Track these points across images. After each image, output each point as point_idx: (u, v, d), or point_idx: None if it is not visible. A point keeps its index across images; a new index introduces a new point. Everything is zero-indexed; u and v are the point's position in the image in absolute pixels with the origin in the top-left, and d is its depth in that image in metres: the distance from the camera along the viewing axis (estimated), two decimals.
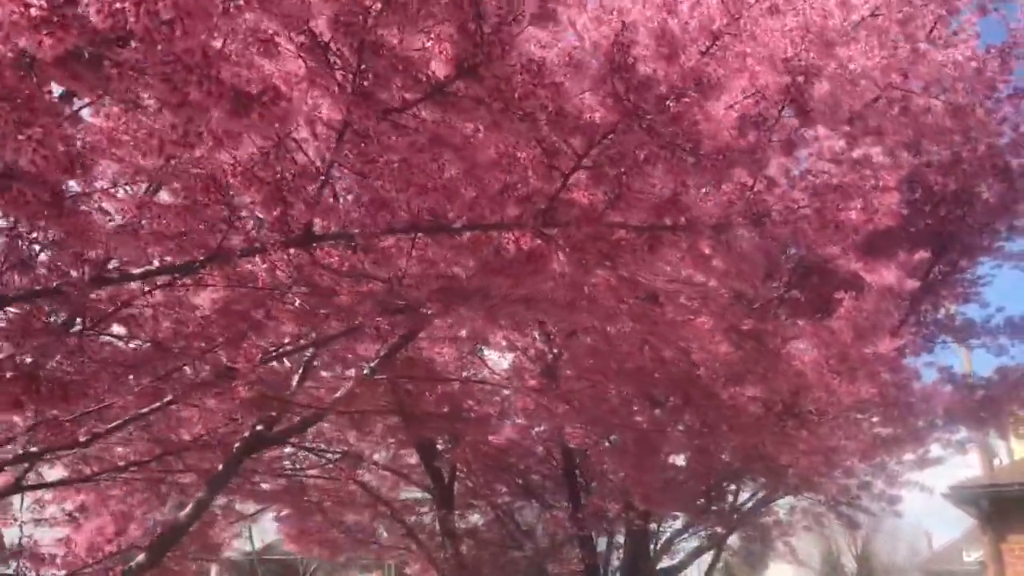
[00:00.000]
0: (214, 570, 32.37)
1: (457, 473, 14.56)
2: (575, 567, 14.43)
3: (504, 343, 11.52)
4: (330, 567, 36.71)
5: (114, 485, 10.32)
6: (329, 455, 13.41)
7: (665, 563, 14.66)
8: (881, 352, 9.79)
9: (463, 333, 10.24)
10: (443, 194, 4.62)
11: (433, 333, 10.45)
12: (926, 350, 14.17)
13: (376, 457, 14.72)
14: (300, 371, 8.04)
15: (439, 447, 13.83)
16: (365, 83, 4.23)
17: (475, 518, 16.12)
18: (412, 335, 7.97)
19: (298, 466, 13.15)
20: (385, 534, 15.86)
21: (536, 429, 12.32)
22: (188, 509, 7.41)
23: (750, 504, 14.34)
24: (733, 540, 17.72)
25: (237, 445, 7.64)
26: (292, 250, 5.05)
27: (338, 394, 7.80)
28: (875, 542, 57.97)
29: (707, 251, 5.15)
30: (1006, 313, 13.99)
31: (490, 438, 12.09)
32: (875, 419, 9.96)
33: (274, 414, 7.78)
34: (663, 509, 11.26)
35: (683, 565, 14.66)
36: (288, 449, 12.81)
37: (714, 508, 13.61)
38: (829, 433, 9.76)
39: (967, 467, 25.56)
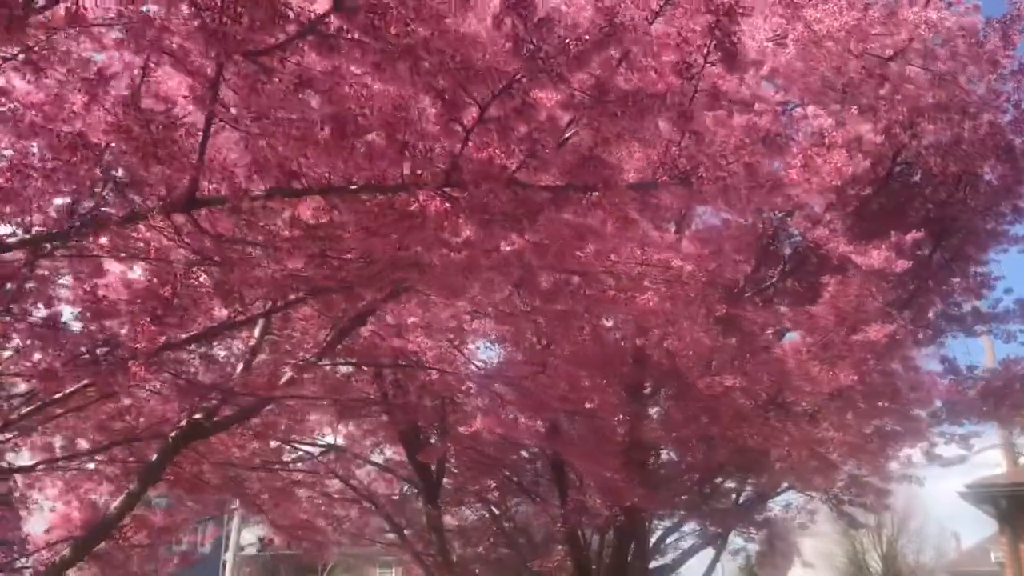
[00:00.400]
0: (228, 565, 32.19)
1: (447, 468, 14.10)
2: (567, 564, 13.92)
3: (493, 334, 11.06)
4: (348, 563, 36.38)
5: (85, 476, 9.97)
6: (308, 448, 13.02)
7: (659, 561, 14.12)
8: (871, 338, 9.22)
9: (445, 320, 9.76)
10: (330, 151, 4.15)
11: (403, 320, 10.01)
12: (931, 342, 13.54)
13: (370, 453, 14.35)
14: (245, 358, 7.61)
15: (427, 441, 13.38)
16: (229, 20, 3.77)
17: (467, 515, 15.66)
18: (360, 319, 7.50)
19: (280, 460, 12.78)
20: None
21: (523, 419, 11.78)
22: (117, 503, 6.99)
23: (741, 501, 13.76)
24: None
25: (173, 434, 7.20)
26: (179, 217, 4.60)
27: (281, 381, 7.34)
28: (901, 542, 57.02)
29: (633, 215, 4.64)
30: (1015, 296, 13.32)
31: (476, 429, 11.60)
32: (862, 408, 9.33)
33: (215, 402, 7.33)
34: (645, 505, 10.71)
35: (676, 564, 14.09)
36: (273, 444, 12.43)
37: (706, 505, 13.05)
38: (813, 425, 9.19)
39: (993, 466, 24.82)
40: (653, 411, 10.22)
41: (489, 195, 4.25)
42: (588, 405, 10.18)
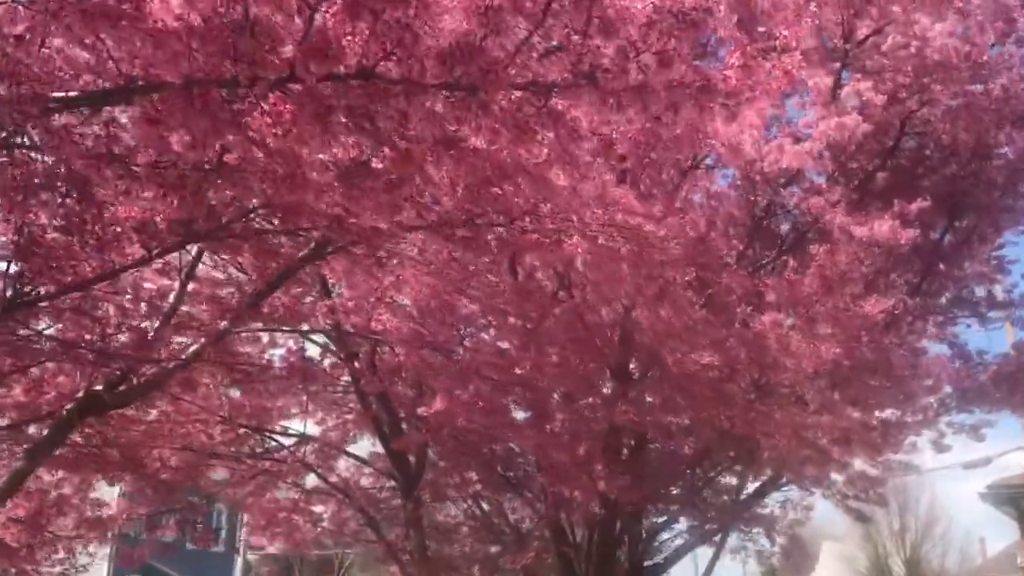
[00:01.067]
0: (239, 563, 31.53)
1: (431, 461, 13.18)
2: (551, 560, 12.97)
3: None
4: (364, 561, 35.60)
5: None
6: (279, 438, 12.17)
7: (655, 559, 13.11)
8: (867, 312, 8.22)
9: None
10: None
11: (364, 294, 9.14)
12: (942, 327, 12.45)
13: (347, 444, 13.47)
14: (158, 324, 6.75)
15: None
16: None
17: (453, 511, 14.75)
18: (278, 282, 6.61)
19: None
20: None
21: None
22: (2, 481, 6.17)
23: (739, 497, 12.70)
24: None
25: (68, 407, 6.36)
26: None
27: (188, 352, 6.48)
28: (925, 547, 55.68)
29: (532, 126, 3.71)
30: None
31: (447, 413, 10.65)
32: (853, 388, 8.29)
33: (119, 373, 6.48)
34: (626, 497, 9.72)
35: (669, 562, 13.06)
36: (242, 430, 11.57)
37: (699, 500, 12.04)
38: (800, 408, 8.18)
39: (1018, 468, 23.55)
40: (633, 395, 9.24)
41: (331, 89, 3.35)
42: (563, 389, 9.29)
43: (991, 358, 11.16)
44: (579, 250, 5.53)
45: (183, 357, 6.46)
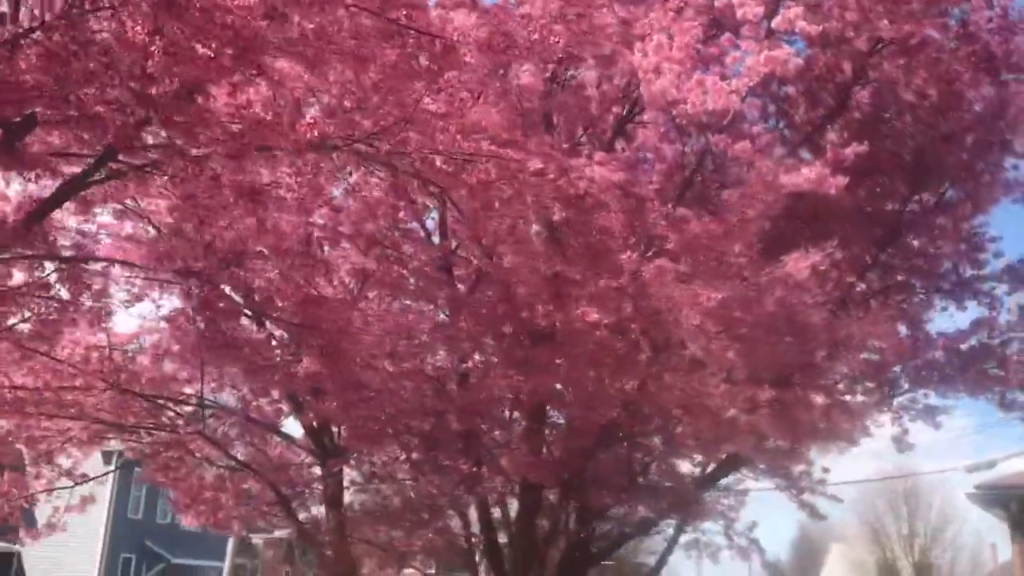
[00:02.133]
0: (230, 544, 30.54)
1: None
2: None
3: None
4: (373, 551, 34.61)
5: None
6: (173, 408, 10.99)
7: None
8: (789, 271, 7.01)
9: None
10: None
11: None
12: (907, 305, 11.06)
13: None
14: None
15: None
16: None
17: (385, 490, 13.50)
18: (54, 202, 5.49)
19: None
20: None
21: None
22: None
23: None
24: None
25: None
26: None
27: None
28: (934, 551, 54.40)
29: None
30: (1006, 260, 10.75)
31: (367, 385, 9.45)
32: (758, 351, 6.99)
33: None
34: (524, 473, 8.54)
35: (608, 550, 11.85)
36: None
37: (633, 485, 10.76)
38: (698, 371, 6.95)
39: None
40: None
41: None
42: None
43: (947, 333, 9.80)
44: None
45: None
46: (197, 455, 11.60)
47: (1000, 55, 8.97)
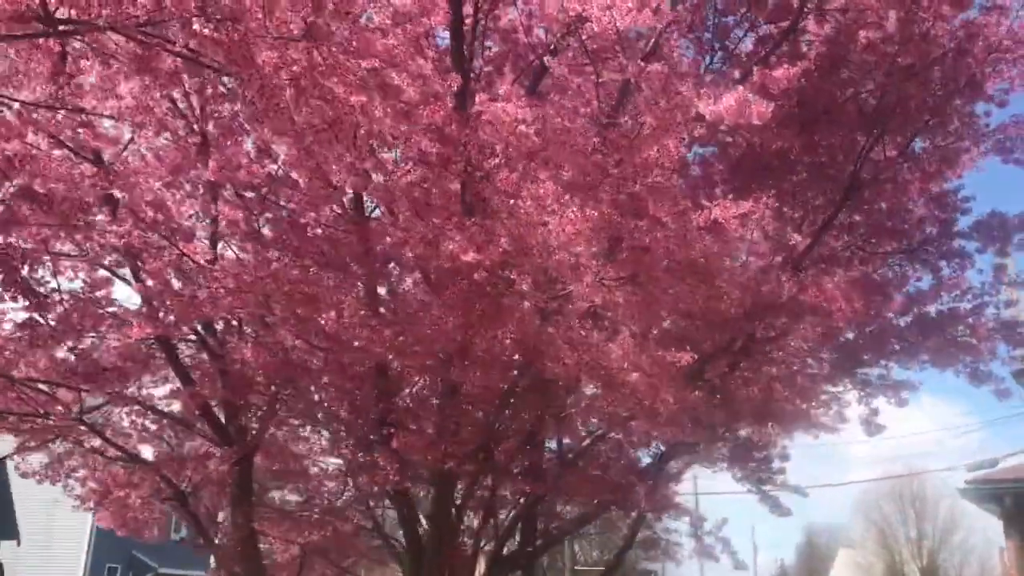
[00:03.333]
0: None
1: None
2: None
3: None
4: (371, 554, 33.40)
5: None
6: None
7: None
8: (716, 216, 5.85)
9: None
10: None
11: None
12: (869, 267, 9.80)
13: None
14: None
15: None
16: None
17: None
18: None
19: None
20: None
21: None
22: None
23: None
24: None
25: None
26: None
27: None
28: (942, 555, 53.56)
29: None
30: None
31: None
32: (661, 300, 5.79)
33: None
34: (409, 452, 7.29)
35: (544, 546, 10.60)
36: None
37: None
38: (593, 326, 5.79)
39: None
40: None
41: None
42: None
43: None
44: None
45: None
46: (86, 446, 10.36)
47: None
